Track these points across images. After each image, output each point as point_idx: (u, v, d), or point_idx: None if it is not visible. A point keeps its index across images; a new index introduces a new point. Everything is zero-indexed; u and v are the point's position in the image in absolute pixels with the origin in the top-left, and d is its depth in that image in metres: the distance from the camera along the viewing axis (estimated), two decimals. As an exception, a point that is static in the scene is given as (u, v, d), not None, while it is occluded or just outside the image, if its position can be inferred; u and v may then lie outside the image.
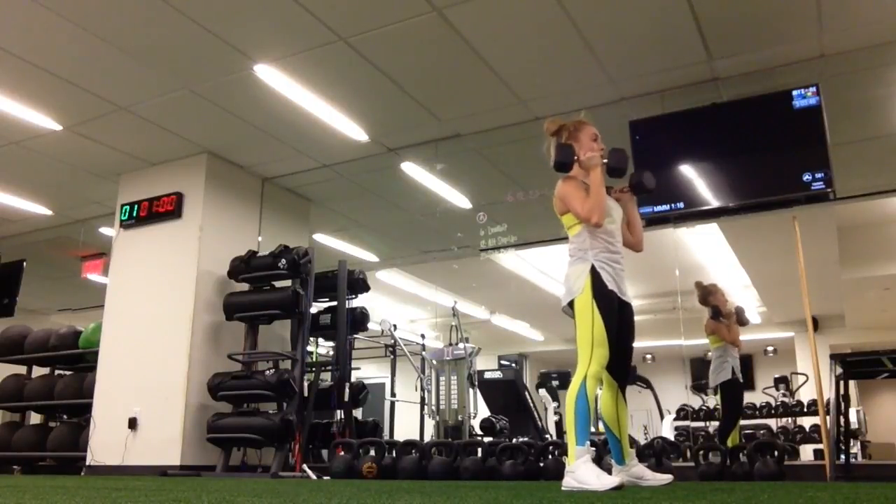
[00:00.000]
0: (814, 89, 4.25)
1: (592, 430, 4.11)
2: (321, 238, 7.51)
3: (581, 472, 2.43)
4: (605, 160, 2.83)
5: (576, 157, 2.84)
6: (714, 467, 3.89)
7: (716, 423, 6.89)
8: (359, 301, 6.02)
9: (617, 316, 2.73)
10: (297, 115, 5.13)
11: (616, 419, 2.83)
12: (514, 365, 10.33)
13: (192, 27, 4.11)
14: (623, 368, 2.86)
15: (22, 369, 6.77)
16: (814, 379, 4.15)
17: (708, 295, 5.11)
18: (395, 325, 6.63)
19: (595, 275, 2.73)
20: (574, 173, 2.88)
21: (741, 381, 4.98)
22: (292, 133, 5.43)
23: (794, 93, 4.30)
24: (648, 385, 7.03)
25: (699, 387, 7.08)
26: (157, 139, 5.52)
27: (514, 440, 5.63)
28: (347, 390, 5.41)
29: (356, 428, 5.50)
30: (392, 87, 4.77)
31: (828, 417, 3.89)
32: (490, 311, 10.30)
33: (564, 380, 7.18)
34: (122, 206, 5.99)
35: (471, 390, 6.17)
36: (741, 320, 5.15)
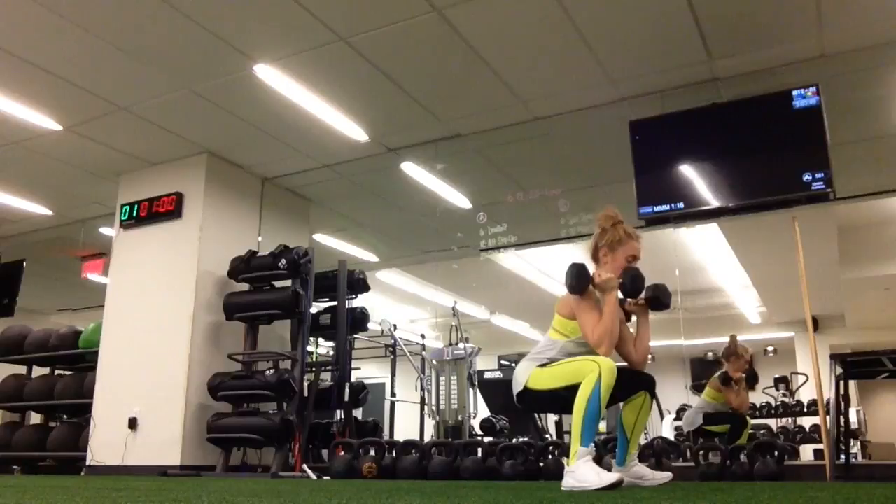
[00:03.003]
0: (814, 89, 4.25)
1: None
2: (321, 238, 7.52)
3: (581, 471, 2.43)
4: (621, 280, 2.73)
5: (590, 280, 2.73)
6: (714, 467, 3.89)
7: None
8: (359, 301, 6.02)
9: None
10: (297, 115, 5.13)
11: (633, 425, 2.79)
12: (513, 365, 10.32)
13: (192, 27, 4.11)
14: (643, 375, 2.82)
15: (22, 369, 6.77)
16: (814, 379, 4.15)
17: (731, 356, 5.02)
18: (395, 325, 6.63)
19: (542, 364, 2.71)
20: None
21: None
22: (292, 133, 5.43)
23: (794, 93, 4.30)
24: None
25: (699, 387, 7.07)
26: (157, 139, 5.52)
27: (514, 440, 5.63)
28: (347, 390, 5.41)
29: (356, 428, 5.50)
30: (392, 87, 4.78)
31: (828, 417, 3.89)
32: (490, 311, 10.30)
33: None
34: (122, 206, 5.99)
35: (471, 390, 6.18)
36: (752, 383, 5.10)
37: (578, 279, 2.71)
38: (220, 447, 5.08)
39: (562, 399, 2.61)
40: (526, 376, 2.74)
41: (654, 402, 2.93)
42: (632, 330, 2.98)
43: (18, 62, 4.48)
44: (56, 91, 4.82)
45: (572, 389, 2.54)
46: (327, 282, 5.75)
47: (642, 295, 2.86)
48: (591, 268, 2.83)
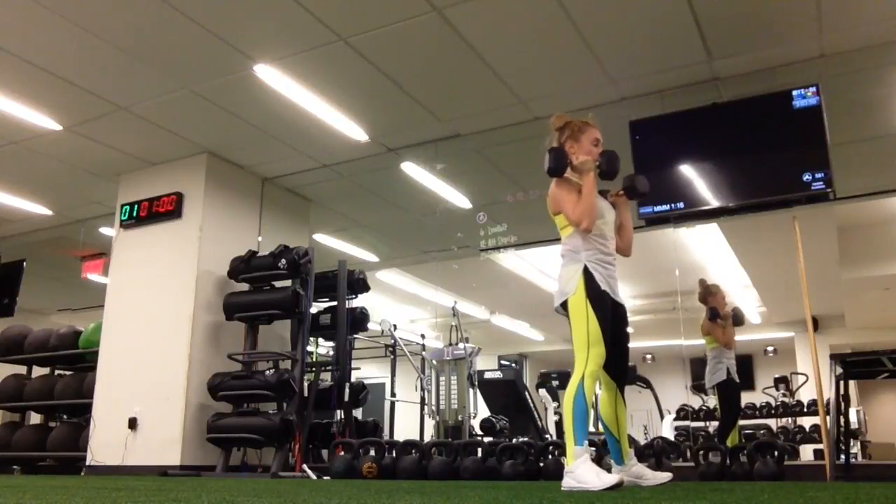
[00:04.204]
0: (814, 89, 4.25)
1: (592, 429, 4.11)
2: (321, 238, 7.51)
3: (580, 471, 2.43)
4: (597, 163, 2.83)
5: (568, 161, 2.85)
6: (714, 467, 3.89)
7: (716, 423, 6.89)
8: (359, 301, 6.02)
9: (611, 316, 2.73)
10: (297, 115, 5.13)
11: (615, 420, 2.83)
12: (514, 365, 10.34)
13: (192, 27, 4.11)
14: (621, 368, 2.86)
15: (22, 369, 6.77)
16: (814, 379, 4.15)
17: (708, 295, 5.11)
18: (395, 325, 6.63)
19: (588, 275, 2.72)
20: (567, 174, 2.87)
21: (737, 381, 4.98)
22: (292, 133, 5.43)
23: (794, 93, 4.30)
24: (648, 385, 7.02)
25: (699, 387, 7.06)
26: (157, 139, 5.52)
27: (514, 440, 5.63)
28: (347, 390, 5.41)
29: (356, 428, 5.50)
30: (392, 87, 4.78)
31: (828, 417, 3.89)
32: (490, 311, 10.30)
33: (564, 380, 7.16)
34: (122, 206, 5.99)
35: (471, 390, 6.17)
36: (738, 321, 5.15)
37: (557, 160, 2.84)
38: (220, 447, 5.08)
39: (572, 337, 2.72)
40: (574, 284, 2.73)
41: (655, 402, 2.94)
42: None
43: (18, 62, 4.48)
44: (56, 91, 4.82)
45: (573, 345, 2.69)
46: (327, 282, 5.75)
47: (620, 188, 2.99)
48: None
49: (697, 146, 4.66)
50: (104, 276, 6.53)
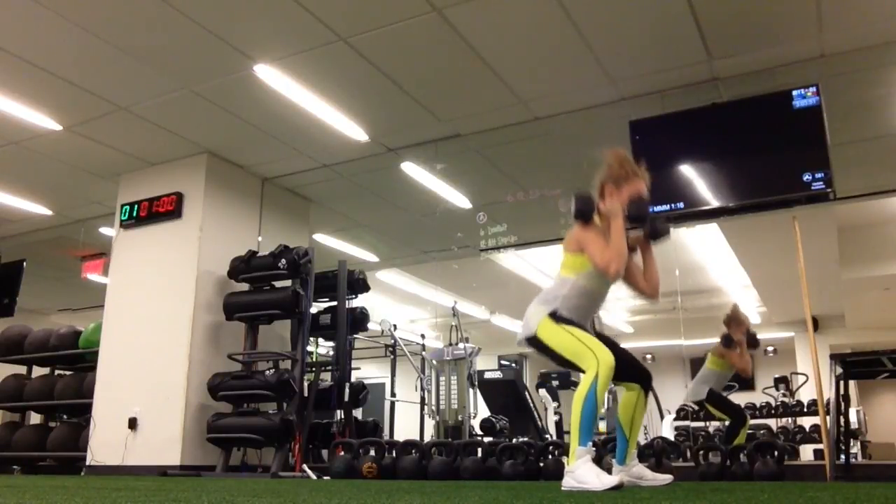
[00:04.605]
0: (814, 89, 4.25)
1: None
2: (321, 238, 7.51)
3: (581, 471, 2.43)
4: (626, 210, 2.75)
5: (595, 206, 2.78)
6: (714, 467, 3.89)
7: (716, 424, 6.89)
8: (359, 301, 6.02)
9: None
10: (297, 115, 5.13)
11: (630, 421, 2.81)
12: (514, 365, 10.32)
13: (192, 27, 4.11)
14: (639, 368, 2.84)
15: (22, 369, 6.77)
16: (814, 379, 4.15)
17: (732, 322, 5.13)
18: (395, 325, 6.63)
19: (553, 312, 2.71)
20: (594, 219, 2.80)
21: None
22: (292, 133, 5.43)
23: (794, 93, 4.29)
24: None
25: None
26: (157, 139, 5.52)
27: (514, 440, 5.63)
28: (347, 390, 5.41)
29: (356, 428, 5.50)
30: (392, 87, 4.77)
31: (828, 417, 3.89)
32: (490, 311, 10.30)
33: (564, 380, 7.18)
34: (122, 206, 5.99)
35: (471, 390, 6.17)
36: (752, 343, 5.16)
37: (584, 205, 2.77)
38: (220, 447, 5.08)
39: (566, 363, 2.67)
40: (536, 321, 2.73)
41: (655, 402, 2.93)
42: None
43: (18, 62, 4.48)
44: (56, 91, 4.82)
45: (571, 364, 2.63)
46: (327, 282, 5.75)
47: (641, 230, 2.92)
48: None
49: (697, 146, 4.66)
50: (104, 276, 6.53)
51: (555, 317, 2.70)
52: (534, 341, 2.75)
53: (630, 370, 2.78)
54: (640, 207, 2.79)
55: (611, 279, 2.72)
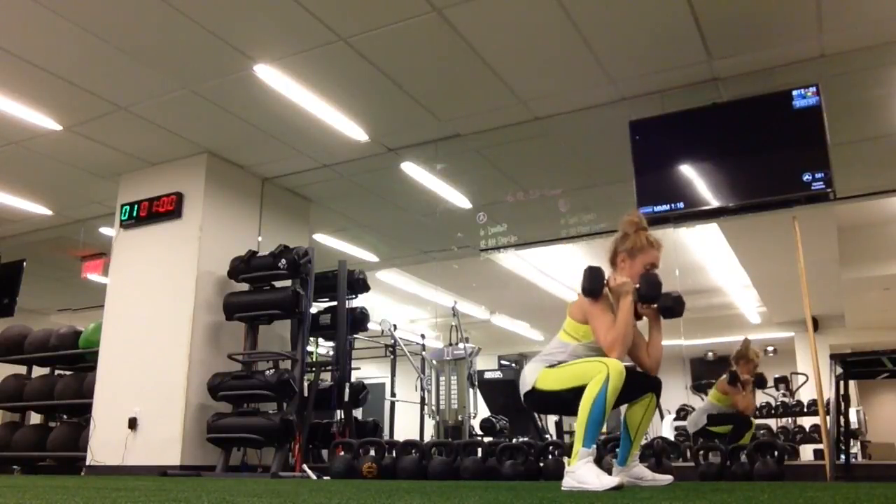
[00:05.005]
0: (814, 89, 4.25)
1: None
2: (321, 238, 7.52)
3: (581, 472, 2.43)
4: (637, 286, 2.71)
5: (605, 282, 2.73)
6: (714, 467, 3.89)
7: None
8: (359, 301, 6.02)
9: None
10: (297, 115, 5.13)
11: (638, 425, 2.80)
12: (514, 365, 10.32)
13: (192, 27, 4.11)
14: (649, 378, 2.82)
15: (22, 369, 6.76)
16: (814, 379, 4.15)
17: (741, 359, 5.01)
18: (395, 325, 6.63)
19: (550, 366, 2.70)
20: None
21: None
22: (292, 133, 5.43)
23: (794, 93, 4.29)
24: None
25: (699, 387, 7.07)
26: (157, 139, 5.52)
27: (514, 440, 5.63)
28: (347, 390, 5.41)
29: (356, 428, 5.50)
30: (392, 87, 4.78)
31: (828, 417, 3.89)
32: (490, 311, 10.30)
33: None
34: (122, 206, 5.99)
35: (471, 390, 6.17)
36: (761, 384, 5.10)
37: (593, 281, 2.70)
38: (220, 447, 5.08)
39: (566, 401, 2.60)
40: (534, 377, 2.74)
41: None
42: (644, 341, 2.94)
43: (18, 62, 4.48)
44: (56, 91, 4.82)
45: (578, 391, 2.53)
46: (327, 282, 5.75)
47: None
48: (608, 271, 2.81)
49: (697, 146, 4.66)
50: (104, 276, 6.53)
51: (552, 367, 2.71)
52: (532, 394, 2.74)
53: (637, 386, 2.73)
54: (653, 287, 2.73)
55: (613, 356, 2.63)
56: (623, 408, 2.84)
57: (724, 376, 5.01)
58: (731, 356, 5.12)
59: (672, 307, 2.82)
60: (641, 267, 2.76)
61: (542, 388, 2.71)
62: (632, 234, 2.82)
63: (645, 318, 2.89)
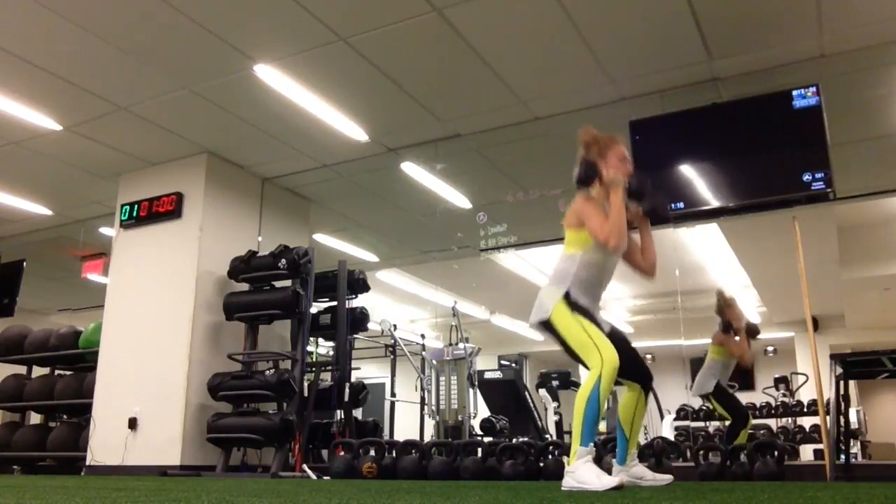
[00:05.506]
0: (814, 89, 4.25)
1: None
2: (321, 238, 7.51)
3: (581, 472, 2.43)
4: (627, 182, 2.80)
5: (598, 174, 2.82)
6: (714, 467, 3.89)
7: (716, 423, 6.89)
8: (359, 301, 6.02)
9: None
10: (297, 115, 5.13)
11: (631, 421, 2.82)
12: (514, 365, 10.33)
13: (192, 27, 4.11)
14: (642, 368, 2.84)
15: (22, 369, 6.77)
16: (814, 379, 4.15)
17: (725, 307, 5.11)
18: (395, 325, 6.63)
19: (567, 295, 2.71)
20: (594, 193, 2.85)
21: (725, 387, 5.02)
22: (292, 133, 5.43)
23: (794, 93, 4.29)
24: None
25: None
26: (157, 139, 5.52)
27: (514, 440, 5.63)
28: (347, 390, 5.41)
29: (356, 428, 5.50)
30: (392, 87, 4.78)
31: (828, 417, 3.89)
32: (490, 311, 10.30)
33: (564, 380, 7.18)
34: (122, 206, 5.99)
35: (471, 390, 6.17)
36: (752, 333, 5.14)
37: (587, 170, 2.82)
38: (220, 447, 5.08)
39: (571, 352, 2.69)
40: (551, 304, 2.73)
41: (655, 402, 2.93)
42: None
43: (18, 62, 4.48)
44: (56, 91, 4.82)
45: (576, 356, 2.65)
46: (327, 282, 5.75)
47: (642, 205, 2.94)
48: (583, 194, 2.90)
49: (697, 146, 4.66)
50: (104, 276, 6.53)
51: (569, 301, 2.70)
52: (547, 325, 2.74)
53: (633, 369, 2.78)
54: (642, 183, 2.84)
55: (611, 252, 2.75)
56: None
57: (717, 329, 5.07)
58: (715, 310, 5.17)
59: (660, 214, 2.97)
60: (615, 160, 2.86)
61: (555, 324, 2.71)
62: (591, 140, 2.92)
63: (636, 227, 2.98)
